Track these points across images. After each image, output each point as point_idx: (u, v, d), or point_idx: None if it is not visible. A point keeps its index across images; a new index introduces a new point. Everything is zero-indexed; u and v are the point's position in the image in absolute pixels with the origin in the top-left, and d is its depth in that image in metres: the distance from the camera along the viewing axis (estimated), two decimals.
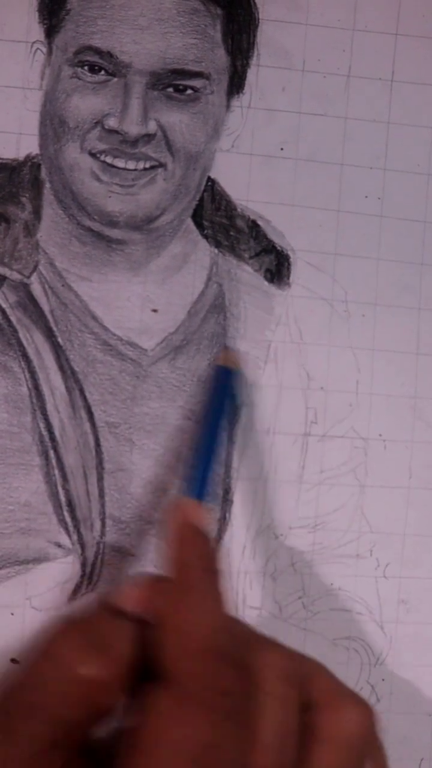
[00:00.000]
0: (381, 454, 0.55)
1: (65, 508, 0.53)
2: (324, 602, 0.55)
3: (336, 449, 0.55)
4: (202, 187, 0.54)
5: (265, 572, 0.54)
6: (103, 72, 0.52)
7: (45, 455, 0.53)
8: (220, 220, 0.54)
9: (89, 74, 0.52)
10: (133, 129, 0.52)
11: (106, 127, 0.52)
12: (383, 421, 0.55)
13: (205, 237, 0.54)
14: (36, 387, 0.53)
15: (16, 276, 0.53)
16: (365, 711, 0.38)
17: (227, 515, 0.54)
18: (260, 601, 0.54)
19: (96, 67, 0.52)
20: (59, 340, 0.53)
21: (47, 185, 0.54)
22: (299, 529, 0.55)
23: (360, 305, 0.55)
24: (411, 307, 0.55)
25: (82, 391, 0.53)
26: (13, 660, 0.52)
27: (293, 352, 0.54)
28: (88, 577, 0.53)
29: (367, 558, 0.55)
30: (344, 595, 0.55)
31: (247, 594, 0.54)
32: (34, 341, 0.53)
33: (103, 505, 0.53)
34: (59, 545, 0.53)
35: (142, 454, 0.54)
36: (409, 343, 0.55)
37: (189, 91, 0.53)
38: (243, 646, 0.37)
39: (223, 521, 0.54)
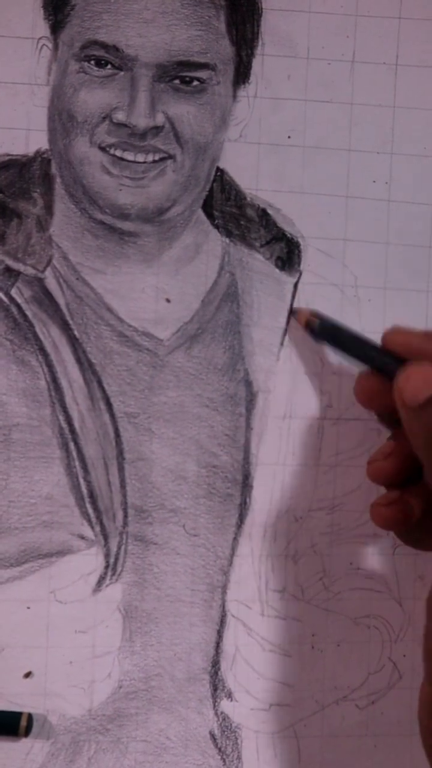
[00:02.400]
0: None
1: (87, 500, 0.53)
2: (344, 582, 0.56)
3: (351, 431, 0.56)
4: (212, 178, 0.55)
5: (287, 555, 0.55)
6: (109, 66, 0.52)
7: (65, 447, 0.53)
8: (231, 210, 0.55)
9: (96, 68, 0.52)
10: (141, 122, 0.52)
11: (115, 120, 0.52)
12: None
13: (216, 227, 0.55)
14: (54, 380, 0.53)
15: (30, 271, 0.53)
16: None
17: (248, 500, 0.55)
18: (283, 583, 0.55)
19: (102, 62, 0.52)
20: (75, 333, 0.54)
21: (58, 180, 0.54)
22: (318, 511, 0.55)
23: (370, 290, 0.56)
24: (420, 290, 0.56)
25: (100, 383, 0.54)
26: (27, 674, 0.53)
27: (306, 338, 0.55)
28: (112, 567, 0.54)
29: (383, 536, 0.56)
30: (363, 573, 0.56)
31: (270, 577, 0.55)
32: (51, 335, 0.53)
33: (124, 495, 0.54)
34: (82, 537, 0.54)
35: (162, 442, 0.54)
36: (418, 325, 0.56)
37: (195, 83, 0.53)
38: None
39: (244, 506, 0.55)
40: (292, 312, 0.55)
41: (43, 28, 0.53)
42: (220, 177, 0.55)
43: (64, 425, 0.53)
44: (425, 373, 0.45)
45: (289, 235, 0.55)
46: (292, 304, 0.55)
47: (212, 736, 0.55)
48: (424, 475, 0.45)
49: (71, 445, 0.53)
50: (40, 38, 0.53)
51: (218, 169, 0.55)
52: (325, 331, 0.53)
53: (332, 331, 0.52)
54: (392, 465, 0.48)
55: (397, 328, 0.50)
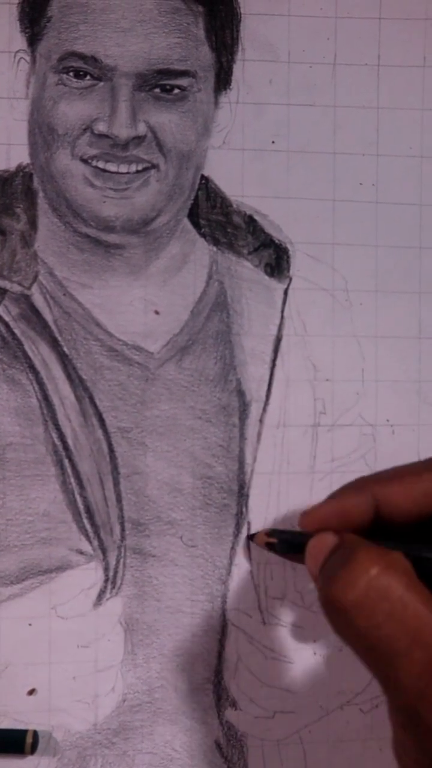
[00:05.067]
0: (389, 439, 0.56)
1: (84, 515, 0.53)
2: None
3: (345, 437, 0.55)
4: (196, 186, 0.54)
5: (285, 562, 0.55)
6: (88, 77, 0.52)
7: (60, 464, 0.53)
8: (217, 218, 0.54)
9: (75, 80, 0.52)
10: (122, 132, 0.52)
11: (96, 131, 0.52)
12: (390, 407, 0.56)
13: (203, 236, 0.54)
14: (45, 398, 0.53)
15: (16, 288, 0.53)
16: None
17: (244, 510, 0.54)
18: (282, 590, 0.55)
19: (81, 73, 0.52)
20: (65, 349, 0.53)
21: (41, 194, 0.53)
22: None
23: (361, 293, 0.55)
24: (412, 291, 0.55)
25: (91, 399, 0.53)
26: (31, 691, 0.53)
27: (298, 345, 0.54)
28: (111, 581, 0.54)
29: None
30: None
31: (269, 584, 0.55)
32: (40, 352, 0.53)
33: (121, 510, 0.54)
34: (81, 552, 0.53)
35: (156, 456, 0.54)
36: (411, 327, 0.56)
37: (176, 91, 0.52)
38: None
39: (241, 516, 0.54)
40: (249, 537, 0.54)
41: (19, 41, 0.52)
42: (205, 185, 0.54)
43: (58, 442, 0.53)
44: (322, 538, 0.42)
45: (277, 241, 0.55)
46: (283, 312, 0.55)
47: (218, 745, 0.55)
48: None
49: (66, 462, 0.53)
50: (17, 51, 0.52)
51: (203, 176, 0.54)
52: (284, 544, 0.50)
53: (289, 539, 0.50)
54: None
55: (307, 510, 0.45)
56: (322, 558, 0.40)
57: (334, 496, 0.45)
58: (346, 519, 0.43)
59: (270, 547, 0.50)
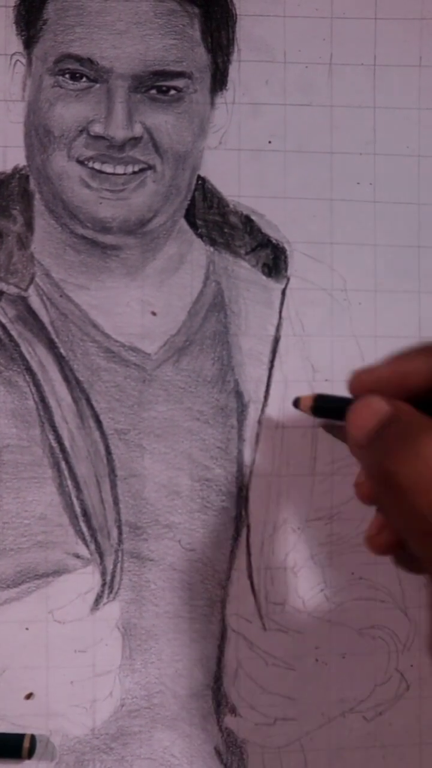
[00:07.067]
0: None
1: (81, 518, 0.53)
2: (346, 593, 0.55)
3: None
4: (193, 187, 0.54)
5: (286, 567, 0.54)
6: (84, 79, 0.52)
7: (57, 467, 0.53)
8: (214, 218, 0.54)
9: (71, 82, 0.52)
10: (119, 133, 0.52)
11: (92, 133, 0.52)
12: None
13: (200, 236, 0.54)
14: (42, 400, 0.53)
15: (13, 290, 0.53)
16: None
17: (243, 513, 0.54)
18: (283, 596, 0.54)
19: (77, 75, 0.52)
20: (62, 351, 0.53)
21: (37, 196, 0.53)
22: (316, 521, 0.54)
23: (359, 293, 0.55)
24: (410, 290, 0.55)
25: (88, 400, 0.53)
26: (28, 696, 0.53)
27: (296, 346, 0.54)
28: (108, 585, 0.53)
29: None
30: (365, 583, 0.55)
31: (269, 590, 0.54)
32: (37, 354, 0.53)
33: (118, 513, 0.53)
34: (78, 556, 0.53)
35: (154, 458, 0.53)
36: (410, 327, 0.55)
37: (172, 92, 0.52)
38: None
39: (240, 519, 0.54)
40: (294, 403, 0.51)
41: (15, 44, 0.53)
42: (202, 185, 0.54)
43: (55, 445, 0.53)
44: (372, 404, 0.40)
45: (274, 241, 0.54)
46: (281, 312, 0.54)
47: (217, 752, 0.54)
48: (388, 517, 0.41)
49: (62, 465, 0.53)
50: (13, 54, 0.53)
51: (199, 177, 0.54)
52: (322, 407, 0.48)
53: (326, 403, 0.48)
54: (387, 538, 0.43)
55: (358, 371, 0.43)
56: (372, 426, 0.39)
57: (397, 358, 0.42)
58: (405, 384, 0.40)
59: (315, 411, 0.48)
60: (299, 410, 0.50)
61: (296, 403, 0.50)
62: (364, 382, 0.42)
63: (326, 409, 0.48)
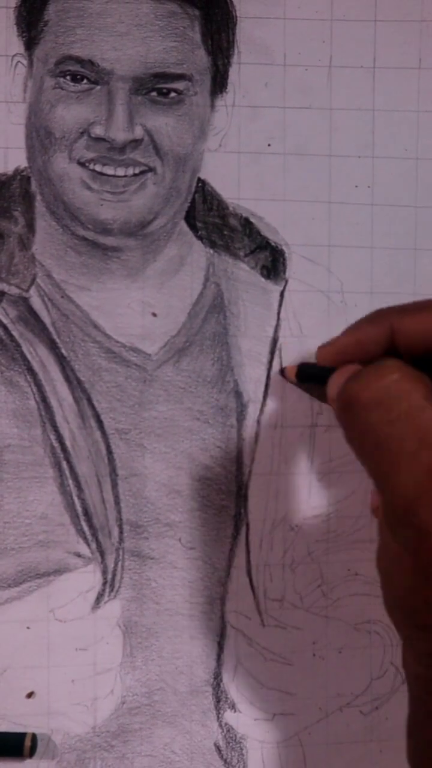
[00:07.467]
0: None
1: (82, 518, 0.53)
2: (343, 588, 0.56)
3: (343, 437, 0.55)
4: (193, 189, 0.54)
5: (284, 564, 0.55)
6: (85, 81, 0.52)
7: (58, 466, 0.53)
8: (213, 220, 0.54)
9: (72, 84, 0.52)
10: (119, 135, 0.52)
11: (93, 135, 0.52)
12: None
13: (200, 238, 0.55)
14: (44, 400, 0.53)
15: (14, 290, 0.53)
16: None
17: (242, 511, 0.54)
18: (281, 592, 0.55)
19: (78, 76, 0.52)
20: (63, 351, 0.53)
21: (38, 197, 0.54)
22: (313, 519, 0.55)
23: (356, 295, 0.55)
24: (407, 293, 0.56)
25: (89, 400, 0.53)
26: (29, 694, 0.53)
27: (294, 347, 0.55)
28: (110, 584, 0.54)
29: None
30: (362, 579, 0.56)
31: (268, 586, 0.55)
32: (38, 354, 0.53)
33: (119, 512, 0.54)
34: (79, 555, 0.53)
35: (154, 457, 0.54)
36: None
37: (173, 94, 0.53)
38: None
39: (239, 517, 0.54)
40: (281, 372, 0.55)
41: (17, 45, 0.53)
42: (202, 188, 0.54)
43: (56, 444, 0.53)
44: (346, 368, 0.44)
45: (273, 244, 0.55)
46: (279, 313, 0.55)
47: (217, 747, 0.54)
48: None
49: (64, 464, 0.53)
50: (15, 55, 0.53)
51: (199, 179, 0.54)
52: (305, 374, 0.53)
53: (308, 371, 0.52)
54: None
55: (321, 345, 0.48)
56: (343, 380, 0.41)
57: (351, 329, 0.46)
58: (363, 350, 0.45)
59: (299, 378, 0.52)
60: (285, 378, 0.54)
61: (282, 371, 0.54)
62: (327, 353, 0.46)
63: (308, 374, 0.52)
